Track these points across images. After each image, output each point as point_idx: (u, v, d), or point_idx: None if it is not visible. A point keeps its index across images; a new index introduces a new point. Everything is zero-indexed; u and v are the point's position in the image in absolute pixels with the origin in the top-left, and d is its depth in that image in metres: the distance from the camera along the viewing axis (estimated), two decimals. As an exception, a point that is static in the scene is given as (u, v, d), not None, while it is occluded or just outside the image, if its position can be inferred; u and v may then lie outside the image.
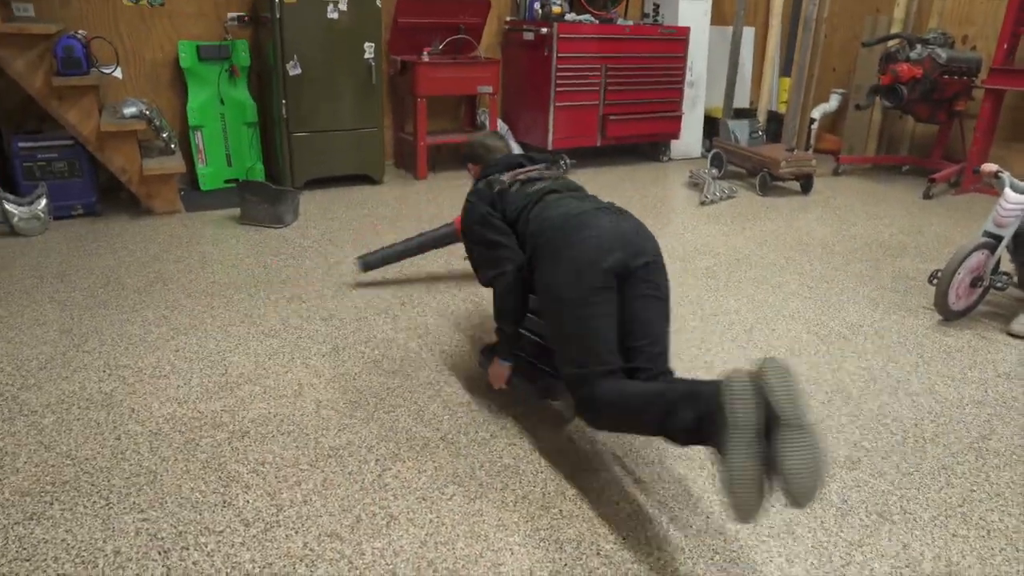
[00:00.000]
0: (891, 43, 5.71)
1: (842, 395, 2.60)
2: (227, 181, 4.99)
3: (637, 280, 2.02)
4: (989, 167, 3.29)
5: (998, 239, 3.18)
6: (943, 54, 5.33)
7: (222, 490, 1.97)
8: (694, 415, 1.68)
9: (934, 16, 6.12)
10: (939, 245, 4.35)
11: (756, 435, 1.53)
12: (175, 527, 1.83)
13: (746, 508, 1.54)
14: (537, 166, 2.55)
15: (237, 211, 4.35)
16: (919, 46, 5.45)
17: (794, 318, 3.24)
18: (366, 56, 4.90)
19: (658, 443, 2.26)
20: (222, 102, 4.89)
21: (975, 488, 2.11)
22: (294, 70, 4.68)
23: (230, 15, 4.91)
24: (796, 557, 1.82)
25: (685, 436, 1.75)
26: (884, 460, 2.23)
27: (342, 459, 2.13)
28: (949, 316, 3.27)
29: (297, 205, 4.43)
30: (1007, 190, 3.16)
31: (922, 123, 6.10)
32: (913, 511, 2.01)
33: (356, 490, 2.00)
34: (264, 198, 4.23)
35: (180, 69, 4.79)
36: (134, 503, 1.91)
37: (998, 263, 3.26)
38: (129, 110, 4.20)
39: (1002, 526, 1.96)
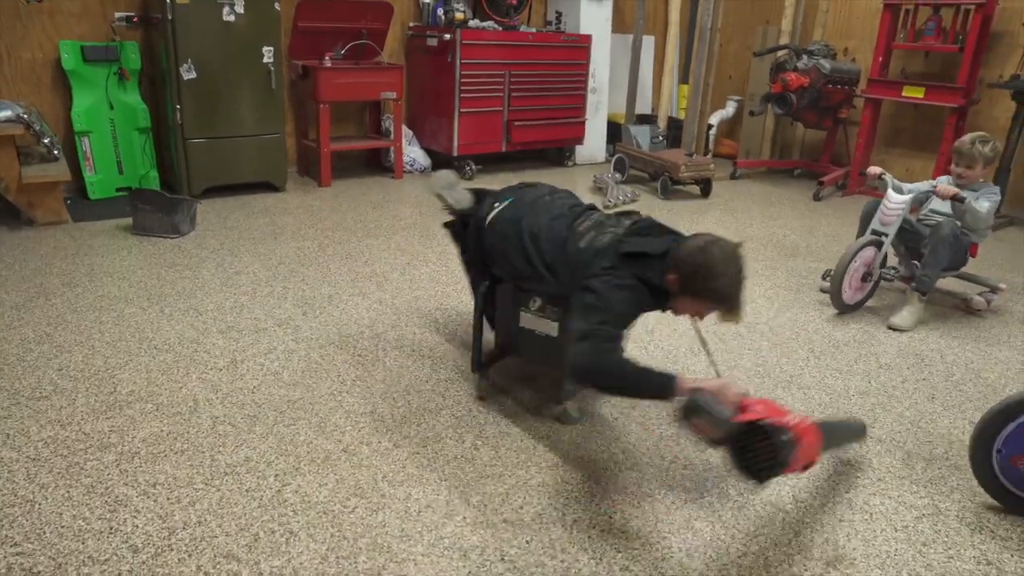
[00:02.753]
0: (780, 53, 6.00)
1: (738, 391, 2.69)
2: (118, 190, 4.74)
3: None
4: (874, 170, 3.51)
5: (884, 236, 3.40)
6: (827, 65, 5.64)
7: (108, 515, 1.87)
8: None
9: (817, 29, 6.46)
10: (829, 244, 4.58)
11: None
12: (53, 559, 1.72)
13: None
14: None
15: (129, 221, 4.14)
16: (805, 57, 5.75)
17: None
18: (265, 60, 4.77)
19: (563, 446, 2.28)
20: (111, 107, 4.65)
21: (859, 474, 2.23)
22: (188, 74, 4.51)
23: (117, 15, 4.68)
24: (695, 551, 1.87)
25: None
26: (777, 452, 2.32)
27: (239, 476, 2.06)
28: (843, 309, 3.46)
29: (194, 214, 4.26)
30: (889, 191, 3.39)
31: (811, 129, 6.44)
32: (804, 500, 2.10)
33: (254, 507, 1.93)
34: (158, 207, 4.04)
35: (63, 71, 4.53)
36: (6, 536, 1.78)
37: (885, 258, 3.48)
38: (3, 113, 3.93)
39: (883, 508, 2.07)
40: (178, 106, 4.55)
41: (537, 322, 2.35)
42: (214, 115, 4.69)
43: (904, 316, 3.37)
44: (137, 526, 1.84)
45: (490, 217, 2.37)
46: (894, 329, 3.34)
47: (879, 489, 2.16)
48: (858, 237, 3.56)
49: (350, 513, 1.93)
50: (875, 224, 3.42)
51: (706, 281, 1.92)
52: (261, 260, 3.75)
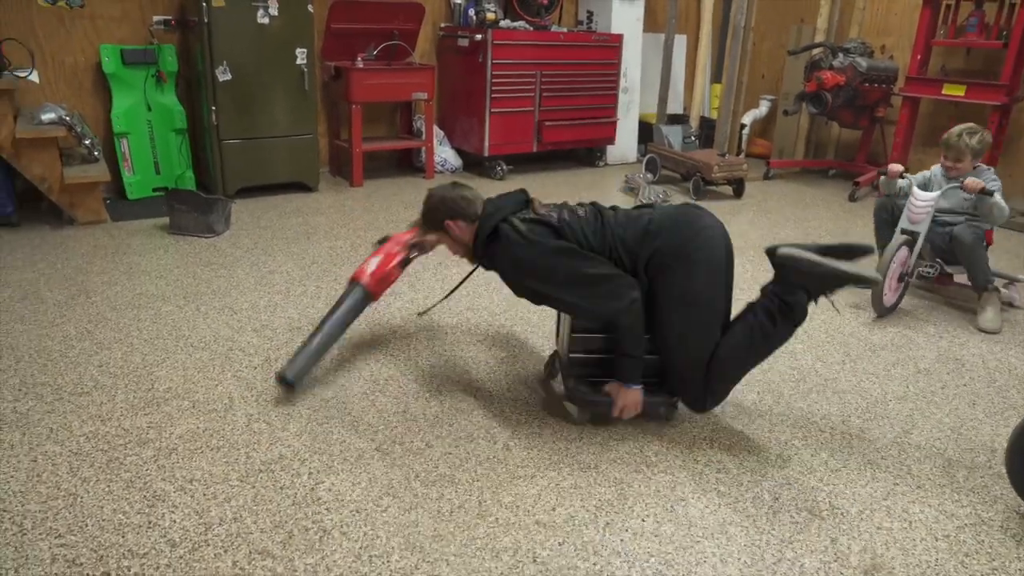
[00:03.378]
0: (815, 52, 5.91)
1: (773, 394, 2.66)
2: (155, 190, 4.83)
3: None
4: (896, 167, 3.48)
5: (915, 235, 3.35)
6: (863, 63, 5.54)
7: (147, 510, 1.90)
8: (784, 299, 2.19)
9: (854, 26, 6.35)
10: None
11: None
12: (95, 551, 1.75)
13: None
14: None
15: (166, 220, 4.21)
16: (841, 55, 5.65)
17: (727, 320, 3.31)
18: (298, 62, 4.82)
19: (595, 448, 2.27)
20: (149, 108, 4.74)
21: (898, 481, 2.19)
22: (224, 76, 4.57)
23: (156, 19, 4.77)
24: (730, 557, 1.85)
25: (785, 326, 2.23)
26: (813, 457, 2.29)
27: (274, 473, 2.08)
28: (883, 312, 3.40)
29: (229, 214, 4.32)
30: (915, 189, 3.38)
31: (846, 128, 6.33)
32: (841, 506, 2.06)
33: (288, 505, 1.95)
34: (194, 207, 4.11)
35: (103, 74, 4.62)
36: (50, 528, 1.82)
37: (919, 256, 3.44)
38: (47, 116, 4.03)
39: (922, 517, 2.03)
40: (213, 107, 4.62)
41: None
42: (248, 116, 4.75)
43: (991, 317, 3.33)
44: (175, 521, 1.87)
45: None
46: (987, 332, 3.30)
47: (918, 497, 2.12)
48: (877, 238, 3.60)
49: (383, 512, 1.94)
50: (904, 223, 3.38)
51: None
52: (294, 259, 3.79)
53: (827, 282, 2.18)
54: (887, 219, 3.55)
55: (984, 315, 3.35)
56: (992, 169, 3.46)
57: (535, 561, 1.79)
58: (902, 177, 3.46)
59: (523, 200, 2.39)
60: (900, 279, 3.41)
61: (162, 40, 4.78)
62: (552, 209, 2.34)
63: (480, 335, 3.03)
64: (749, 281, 3.79)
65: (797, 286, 2.20)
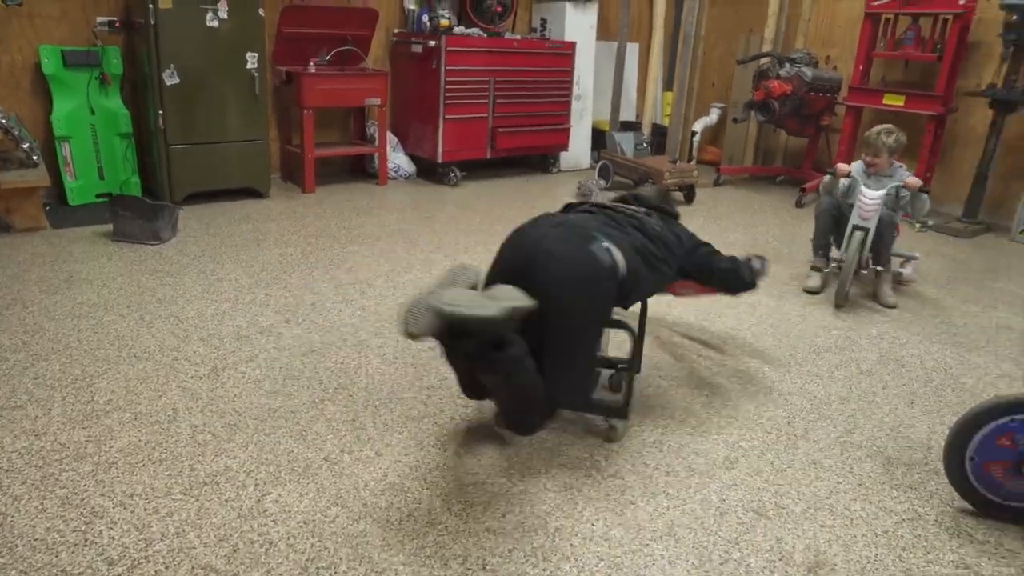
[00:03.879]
0: (763, 61, 6.05)
1: (721, 398, 2.70)
2: (99, 196, 4.70)
3: None
4: (845, 167, 3.77)
5: (867, 230, 3.60)
6: (809, 73, 5.69)
7: (84, 528, 1.84)
8: None
9: (800, 37, 6.52)
10: (811, 251, 4.60)
11: None
12: (25, 573, 1.69)
13: None
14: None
15: (110, 227, 4.10)
16: (787, 65, 5.79)
17: (676, 325, 3.35)
18: (249, 66, 4.75)
19: (545, 454, 2.28)
20: (92, 112, 4.61)
21: (840, 480, 2.24)
22: (171, 79, 4.48)
23: (99, 19, 4.65)
24: (678, 558, 1.87)
25: None
26: (760, 458, 2.33)
27: (219, 486, 2.03)
28: (844, 304, 3.70)
29: (176, 220, 4.23)
30: (864, 189, 3.62)
31: (793, 136, 6.48)
32: (786, 506, 2.10)
33: (233, 518, 1.91)
34: (139, 213, 4.01)
35: (43, 76, 4.49)
36: (-19, 547, 1.76)
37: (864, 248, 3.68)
38: (-18, 119, 3.90)
39: (863, 514, 2.08)
40: (160, 111, 4.52)
41: None
42: (197, 121, 4.66)
43: (889, 292, 3.74)
44: (113, 538, 1.81)
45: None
46: (890, 307, 3.66)
47: (860, 494, 2.18)
48: (816, 236, 3.93)
49: (331, 523, 1.91)
50: (856, 220, 3.62)
51: None
52: (243, 267, 3.73)
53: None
54: (836, 218, 3.82)
55: (884, 291, 3.76)
56: (904, 166, 3.76)
57: (485, 568, 1.79)
58: (849, 176, 3.73)
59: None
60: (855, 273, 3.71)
61: (106, 41, 4.67)
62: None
63: (432, 342, 3.01)
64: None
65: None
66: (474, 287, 2.06)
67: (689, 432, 2.46)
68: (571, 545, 1.89)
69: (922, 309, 3.72)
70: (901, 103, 5.51)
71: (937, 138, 5.45)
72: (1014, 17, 4.82)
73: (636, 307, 2.48)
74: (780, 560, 1.88)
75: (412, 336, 1.86)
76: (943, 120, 5.45)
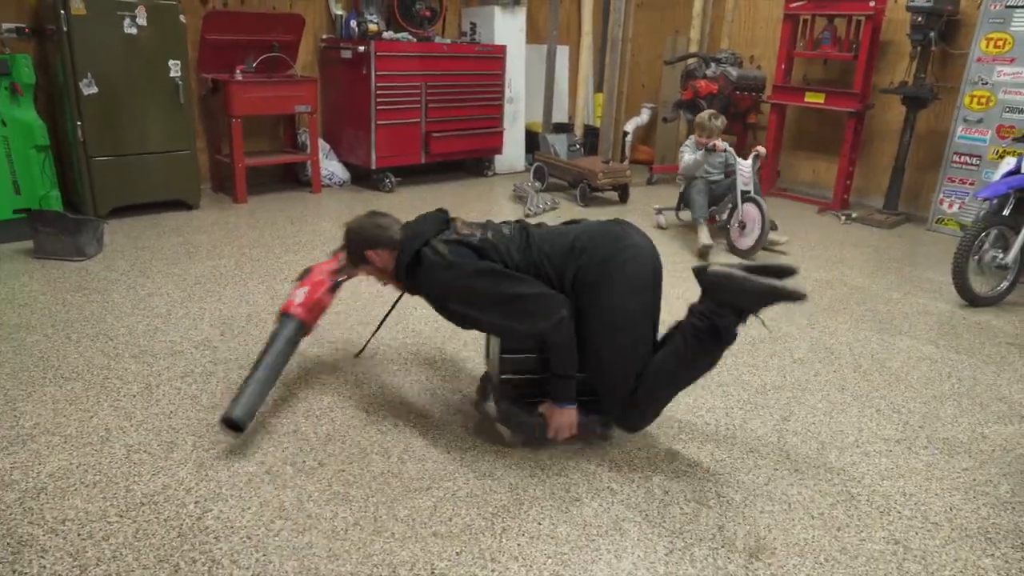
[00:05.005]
0: (689, 62, 6.20)
1: (661, 391, 2.76)
2: (16, 211, 4.49)
3: None
4: (761, 149, 4.66)
5: (747, 193, 4.48)
6: (734, 72, 5.86)
7: (11, 558, 1.76)
8: (711, 324, 2.14)
9: (724, 38, 6.71)
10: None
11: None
12: (-48, 606, 1.61)
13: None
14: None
15: (29, 244, 3.93)
16: (713, 65, 5.95)
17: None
18: (172, 74, 4.62)
19: (490, 456, 2.29)
20: (4, 124, 4.40)
21: (778, 467, 2.31)
22: (89, 89, 4.32)
23: (6, 26, 4.45)
24: (624, 552, 1.90)
25: (713, 347, 2.19)
26: (700, 450, 2.39)
27: (157, 505, 1.98)
28: (738, 255, 4.50)
29: (101, 235, 4.08)
30: (740, 160, 4.51)
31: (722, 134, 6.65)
32: (726, 495, 2.16)
33: (174, 537, 1.86)
34: (61, 229, 3.86)
35: (-51, 88, 4.27)
36: (-101, 585, 1.67)
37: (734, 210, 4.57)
38: None
39: (800, 498, 2.16)
40: (79, 122, 4.36)
41: None
42: (119, 131, 4.51)
43: (704, 235, 4.49)
44: (44, 567, 1.74)
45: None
46: (708, 247, 4.45)
47: (796, 479, 2.25)
48: (694, 206, 4.63)
49: (275, 536, 1.88)
50: (741, 187, 4.47)
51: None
52: (175, 281, 3.62)
53: (758, 299, 2.11)
54: (703, 190, 4.65)
55: (704, 234, 4.52)
56: (725, 142, 4.69)
57: (433, 573, 1.78)
58: (754, 152, 4.60)
59: (444, 220, 2.32)
60: (742, 228, 4.51)
61: (15, 49, 4.46)
62: (476, 228, 2.28)
63: (371, 349, 2.99)
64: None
65: (727, 307, 2.14)
66: None
67: (631, 427, 2.50)
68: (518, 545, 1.90)
69: (849, 298, 3.87)
70: (822, 100, 5.72)
71: (857, 133, 5.69)
72: (919, 18, 5.07)
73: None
74: (723, 547, 1.93)
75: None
76: (862, 116, 5.68)
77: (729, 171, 4.69)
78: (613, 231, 2.24)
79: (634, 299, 2.16)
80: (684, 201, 4.86)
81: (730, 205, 4.61)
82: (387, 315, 2.83)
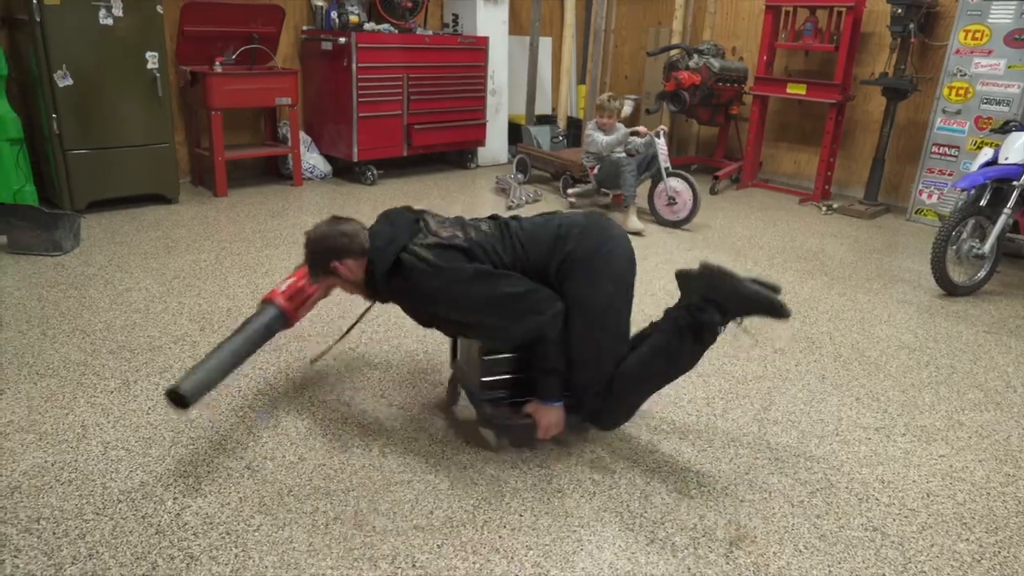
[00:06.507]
0: (672, 53, 6.20)
1: (642, 382, 2.76)
2: (-10, 206, 4.43)
3: None
4: (664, 128, 4.97)
5: (668, 169, 4.87)
6: (716, 63, 5.86)
7: (-14, 556, 1.74)
8: (693, 320, 2.12)
9: (706, 29, 6.71)
10: (725, 237, 4.76)
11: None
12: (-76, 606, 1.59)
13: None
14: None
15: (3, 239, 3.88)
16: (696, 56, 5.95)
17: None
18: (149, 66, 4.56)
19: (471, 448, 2.28)
20: (-24, 117, 4.33)
21: (758, 456, 2.33)
22: (64, 81, 4.26)
23: (-23, 17, 4.38)
24: (605, 542, 1.90)
25: (694, 346, 2.17)
26: (682, 440, 2.40)
27: (134, 502, 1.96)
28: (664, 223, 4.97)
29: (78, 229, 4.03)
30: (658, 141, 4.82)
31: (704, 125, 6.67)
32: (707, 484, 2.17)
33: (151, 534, 1.84)
34: (37, 223, 3.80)
35: (-80, 80, 4.19)
36: None
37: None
38: None
39: (780, 486, 2.17)
40: (54, 115, 4.29)
41: None
42: (96, 124, 4.45)
43: (636, 221, 4.75)
44: (19, 566, 1.72)
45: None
46: (638, 234, 4.63)
47: (776, 468, 2.26)
48: (631, 185, 4.78)
49: (255, 531, 1.87)
50: (664, 164, 4.82)
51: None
52: (154, 275, 3.59)
53: (748, 304, 2.08)
54: (634, 170, 4.80)
55: (632, 220, 4.75)
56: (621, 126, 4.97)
57: (414, 566, 1.78)
58: (656, 132, 4.89)
59: (414, 220, 2.19)
60: (670, 203, 4.89)
61: (-12, 42, 4.40)
62: (453, 227, 2.18)
63: (353, 343, 2.97)
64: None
65: (711, 304, 2.11)
66: None
67: (613, 418, 2.50)
68: (500, 537, 1.90)
69: (830, 288, 3.89)
70: (803, 92, 5.74)
71: (838, 124, 5.71)
72: (899, 10, 5.09)
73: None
74: (703, 536, 1.94)
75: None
76: (843, 107, 5.70)
77: (628, 152, 4.95)
78: (599, 222, 2.21)
79: (613, 293, 2.13)
80: (603, 182, 5.07)
81: (651, 181, 5.02)
82: (351, 327, 2.66)
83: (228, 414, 2.40)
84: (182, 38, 4.98)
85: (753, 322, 2.31)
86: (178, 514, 1.92)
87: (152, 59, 4.56)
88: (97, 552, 1.77)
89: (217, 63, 4.99)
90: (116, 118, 4.52)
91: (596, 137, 4.96)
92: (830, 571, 1.84)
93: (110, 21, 4.34)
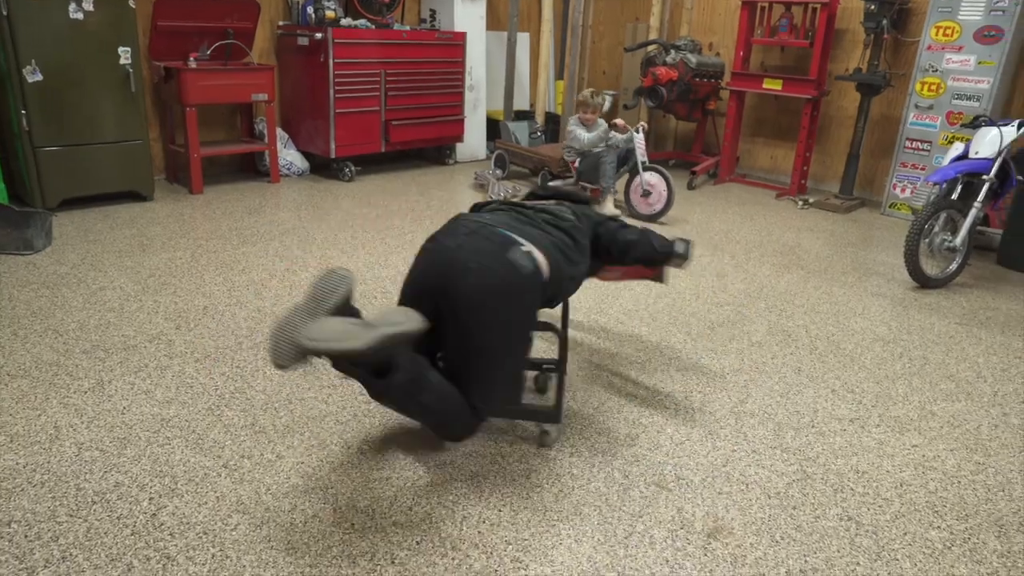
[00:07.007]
0: (649, 49, 6.22)
1: (620, 377, 2.78)
2: (-41, 204, 4.35)
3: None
4: (644, 125, 5.05)
5: (645, 163, 4.93)
6: (693, 59, 5.89)
7: (-43, 559, 1.71)
8: None
9: (684, 25, 6.74)
10: (703, 232, 4.79)
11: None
12: None
13: None
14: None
15: (-27, 238, 3.81)
16: (673, 52, 5.98)
17: (577, 309, 3.41)
18: (122, 61, 4.50)
19: (449, 445, 2.28)
20: (-55, 114, 4.26)
21: (736, 448, 2.35)
22: (33, 76, 4.19)
23: (-54, 14, 4.28)
24: (584, 536, 1.91)
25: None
26: (659, 433, 2.41)
27: (109, 503, 1.93)
28: (639, 217, 4.96)
29: (50, 228, 3.96)
30: (637, 136, 4.91)
31: (682, 121, 6.71)
32: (685, 476, 2.19)
33: (127, 535, 1.82)
34: (7, 222, 3.74)
35: None
36: None
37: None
38: None
39: (757, 478, 2.19)
40: (23, 111, 4.22)
41: None
42: (67, 121, 4.38)
43: (612, 207, 4.84)
44: (-8, 568, 1.70)
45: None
46: (617, 220, 4.44)
47: (754, 460, 2.29)
48: (611, 177, 4.90)
49: (232, 531, 1.85)
50: (643, 158, 4.90)
51: None
52: (128, 274, 3.54)
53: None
54: (615, 163, 4.93)
55: (608, 207, 4.86)
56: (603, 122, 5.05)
57: (394, 563, 1.78)
58: (636, 128, 4.98)
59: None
60: (645, 195, 4.94)
61: (-43, 38, 4.31)
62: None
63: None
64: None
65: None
66: (347, 298, 1.93)
67: (591, 412, 2.51)
68: (479, 532, 1.90)
69: (806, 281, 3.93)
70: (779, 87, 5.79)
71: (813, 120, 5.76)
72: (872, 7, 5.15)
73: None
74: (682, 529, 1.96)
75: (282, 368, 1.83)
76: (818, 103, 5.76)
77: (609, 146, 5.07)
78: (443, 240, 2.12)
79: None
80: (584, 175, 5.10)
81: (627, 174, 5.10)
82: None
83: (204, 413, 2.38)
84: (155, 33, 4.92)
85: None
86: (154, 514, 1.90)
87: (124, 54, 4.50)
88: (71, 555, 1.75)
89: (191, 59, 4.93)
90: (88, 114, 4.45)
91: (578, 133, 5.02)
92: (806, 561, 1.86)
93: (80, 15, 4.27)
